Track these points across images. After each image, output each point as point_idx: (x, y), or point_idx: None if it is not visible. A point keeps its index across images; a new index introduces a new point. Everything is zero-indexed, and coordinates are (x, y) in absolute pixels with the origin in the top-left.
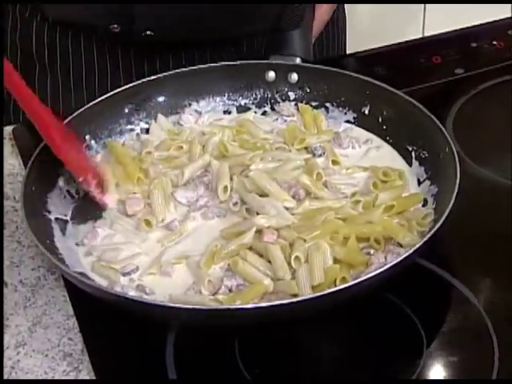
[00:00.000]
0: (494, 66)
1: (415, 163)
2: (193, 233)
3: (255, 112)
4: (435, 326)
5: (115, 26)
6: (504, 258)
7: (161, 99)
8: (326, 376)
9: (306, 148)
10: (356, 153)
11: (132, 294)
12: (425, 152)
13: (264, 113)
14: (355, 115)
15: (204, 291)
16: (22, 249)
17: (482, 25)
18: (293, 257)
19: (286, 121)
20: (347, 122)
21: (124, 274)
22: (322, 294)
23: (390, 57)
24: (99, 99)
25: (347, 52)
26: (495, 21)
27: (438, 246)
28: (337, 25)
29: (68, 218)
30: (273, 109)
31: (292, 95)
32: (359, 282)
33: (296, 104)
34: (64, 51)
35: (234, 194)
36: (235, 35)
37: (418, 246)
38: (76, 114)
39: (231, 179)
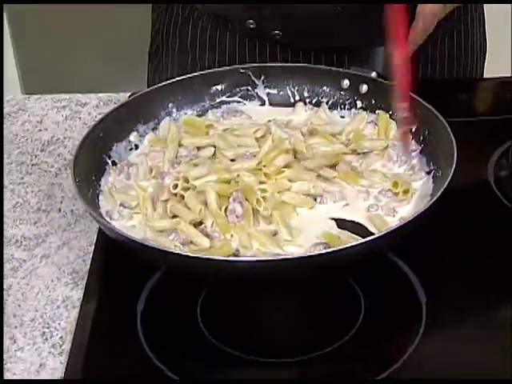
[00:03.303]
0: None
1: (430, 180)
2: None
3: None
4: (374, 295)
5: (251, 21)
6: None
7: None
8: (270, 332)
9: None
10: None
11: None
12: (440, 171)
13: None
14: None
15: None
16: None
17: None
18: None
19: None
20: None
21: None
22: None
23: (479, 87)
24: (188, 76)
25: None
26: None
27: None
28: (471, 46)
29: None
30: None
31: (359, 103)
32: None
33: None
34: (212, 44)
35: None
36: (345, 44)
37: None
38: (165, 83)
39: None
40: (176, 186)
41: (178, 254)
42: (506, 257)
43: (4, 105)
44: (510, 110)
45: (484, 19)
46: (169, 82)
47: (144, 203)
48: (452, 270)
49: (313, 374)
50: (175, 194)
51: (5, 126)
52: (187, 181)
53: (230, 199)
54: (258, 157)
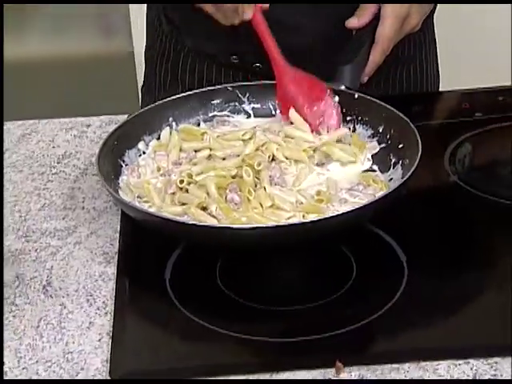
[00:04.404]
0: (508, 114)
1: (399, 168)
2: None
3: None
4: (364, 260)
5: (234, 57)
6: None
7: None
8: (278, 287)
9: None
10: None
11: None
12: (407, 159)
13: None
14: (373, 132)
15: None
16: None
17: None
18: None
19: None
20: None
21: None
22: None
23: (433, 99)
24: (186, 93)
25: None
26: None
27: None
28: (425, 61)
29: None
30: None
31: None
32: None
33: None
34: (200, 76)
35: None
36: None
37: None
38: (166, 100)
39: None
40: (182, 181)
41: (204, 225)
42: (464, 224)
43: (16, 129)
44: (451, 116)
45: (437, 57)
46: (169, 99)
47: (149, 194)
48: (425, 236)
49: (312, 319)
50: (181, 189)
51: (21, 145)
52: (191, 176)
53: (227, 190)
54: (240, 156)
